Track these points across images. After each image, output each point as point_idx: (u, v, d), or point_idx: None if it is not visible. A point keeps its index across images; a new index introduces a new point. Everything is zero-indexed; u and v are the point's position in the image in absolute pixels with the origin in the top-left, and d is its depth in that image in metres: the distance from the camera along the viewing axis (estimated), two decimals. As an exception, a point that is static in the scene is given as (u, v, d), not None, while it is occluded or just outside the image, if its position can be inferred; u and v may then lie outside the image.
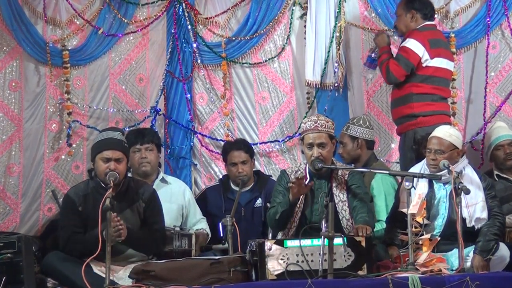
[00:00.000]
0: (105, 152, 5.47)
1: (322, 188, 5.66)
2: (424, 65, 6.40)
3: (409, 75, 6.40)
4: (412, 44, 6.40)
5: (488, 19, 7.01)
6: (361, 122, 6.48)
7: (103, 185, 5.45)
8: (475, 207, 5.40)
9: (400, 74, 6.40)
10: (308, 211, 5.64)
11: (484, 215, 5.47)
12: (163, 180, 6.50)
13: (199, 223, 6.45)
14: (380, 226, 5.96)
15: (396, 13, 6.70)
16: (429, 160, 5.57)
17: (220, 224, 6.12)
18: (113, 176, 5.30)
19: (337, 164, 5.77)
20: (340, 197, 5.62)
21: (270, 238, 5.76)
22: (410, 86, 6.40)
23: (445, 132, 5.62)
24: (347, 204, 5.61)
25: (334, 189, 5.64)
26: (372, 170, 6.00)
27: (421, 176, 5.43)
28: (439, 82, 6.47)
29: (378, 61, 6.62)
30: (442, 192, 5.59)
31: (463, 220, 5.43)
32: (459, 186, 5.10)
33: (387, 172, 5.89)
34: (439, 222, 5.55)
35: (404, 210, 5.50)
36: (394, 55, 6.53)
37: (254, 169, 6.71)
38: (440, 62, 6.47)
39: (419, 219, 5.13)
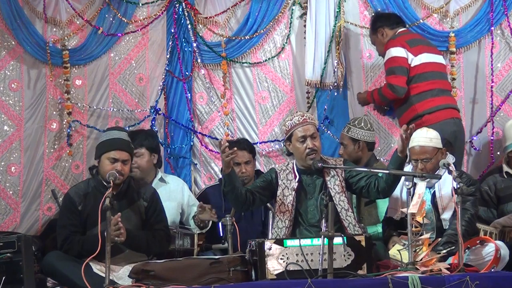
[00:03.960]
0: (113, 152, 5.49)
1: (314, 183, 5.64)
2: (412, 65, 6.44)
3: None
4: (394, 51, 6.46)
5: (491, 15, 6.98)
6: (362, 124, 6.47)
7: (105, 184, 5.46)
8: (444, 200, 5.44)
9: (402, 81, 6.41)
10: (303, 208, 5.62)
11: (447, 216, 5.51)
12: (161, 180, 6.51)
13: None
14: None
15: (371, 41, 6.85)
16: (418, 171, 5.54)
17: (220, 223, 6.13)
18: (112, 175, 5.30)
19: (328, 160, 5.73)
20: (336, 189, 5.59)
21: (269, 237, 5.76)
22: (407, 90, 6.42)
23: (425, 139, 5.60)
24: (344, 195, 5.59)
25: (329, 182, 5.61)
26: (372, 170, 5.99)
27: (421, 176, 5.43)
28: (433, 76, 6.49)
29: (374, 98, 6.65)
30: (427, 195, 5.59)
31: (444, 221, 5.48)
32: (459, 185, 5.10)
33: (387, 172, 5.88)
34: (429, 226, 5.54)
35: (394, 216, 5.56)
36: (386, 73, 6.55)
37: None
38: (426, 57, 6.50)
39: (419, 218, 5.13)
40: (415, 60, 6.46)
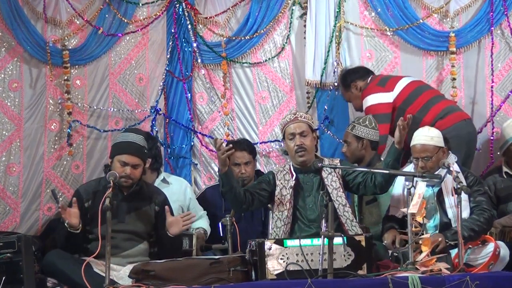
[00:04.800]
0: (124, 156, 5.51)
1: (312, 181, 5.66)
2: (396, 95, 6.52)
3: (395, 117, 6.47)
4: (369, 100, 6.58)
5: (491, 15, 6.98)
6: (366, 122, 6.45)
7: (115, 183, 5.47)
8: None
9: (382, 129, 6.45)
10: (301, 205, 5.65)
11: (465, 214, 5.43)
12: (164, 181, 6.49)
13: (200, 220, 6.45)
14: None
15: (346, 99, 6.93)
16: (419, 169, 5.54)
17: (220, 224, 6.13)
18: (112, 175, 5.29)
19: (325, 159, 5.75)
20: (334, 185, 5.60)
21: (269, 237, 5.76)
22: (410, 113, 6.45)
23: (426, 137, 5.59)
24: (342, 191, 5.60)
25: (326, 179, 5.62)
26: (372, 170, 5.98)
27: (421, 176, 5.43)
28: (421, 89, 6.58)
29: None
30: (429, 193, 5.58)
31: (449, 220, 5.45)
32: (459, 186, 5.09)
33: (387, 172, 5.87)
34: (431, 224, 5.55)
35: (396, 214, 5.55)
36: None
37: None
38: (403, 82, 6.60)
39: (419, 218, 5.13)
40: (396, 90, 6.56)
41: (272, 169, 7.07)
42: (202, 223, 6.45)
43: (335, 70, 7.05)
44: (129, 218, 5.50)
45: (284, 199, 5.63)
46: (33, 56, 6.90)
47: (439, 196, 5.59)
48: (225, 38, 7.19)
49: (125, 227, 5.49)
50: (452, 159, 5.64)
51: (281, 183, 5.68)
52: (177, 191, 6.50)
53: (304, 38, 7.11)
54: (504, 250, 5.42)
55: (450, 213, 5.50)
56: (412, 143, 5.63)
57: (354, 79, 6.79)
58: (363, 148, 6.42)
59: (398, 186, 5.65)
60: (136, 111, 7.13)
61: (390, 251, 5.48)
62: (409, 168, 5.77)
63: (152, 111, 7.12)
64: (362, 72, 6.84)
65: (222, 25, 7.23)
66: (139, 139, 5.61)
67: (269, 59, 7.21)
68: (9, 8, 6.77)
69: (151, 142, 6.44)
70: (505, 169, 6.47)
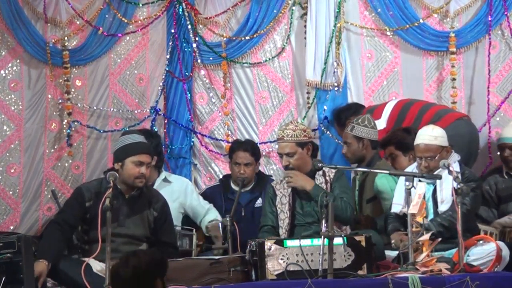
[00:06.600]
0: (140, 155, 5.49)
1: None
2: (386, 122, 6.57)
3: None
4: None
5: (489, 17, 6.98)
6: (366, 122, 6.43)
7: (124, 187, 5.49)
8: (444, 193, 5.43)
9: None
10: (299, 211, 5.73)
11: (445, 207, 5.45)
12: (165, 180, 6.49)
13: (209, 212, 6.45)
14: None
15: (343, 138, 6.73)
16: (422, 168, 5.54)
17: (220, 224, 6.14)
18: (113, 176, 5.28)
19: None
20: None
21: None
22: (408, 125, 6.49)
23: (429, 137, 5.59)
24: None
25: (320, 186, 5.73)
26: (372, 170, 5.99)
27: (421, 176, 5.43)
28: (409, 105, 6.62)
29: None
30: (429, 191, 5.58)
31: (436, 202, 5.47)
32: (459, 186, 5.09)
33: (387, 172, 5.88)
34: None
35: (398, 211, 5.56)
36: None
37: (254, 170, 6.71)
38: (388, 107, 6.65)
39: (419, 219, 5.13)
40: (384, 116, 6.61)
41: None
42: (213, 214, 6.44)
43: (335, 70, 7.05)
44: (129, 222, 5.49)
45: (285, 207, 5.74)
46: (33, 56, 6.89)
47: (434, 193, 5.59)
48: (225, 38, 7.19)
49: (124, 231, 5.47)
50: (455, 158, 5.63)
51: (281, 192, 5.82)
52: (178, 189, 6.49)
53: (304, 38, 7.11)
54: (504, 250, 5.42)
55: (441, 207, 5.50)
56: (416, 142, 5.63)
57: (348, 116, 6.79)
58: (363, 148, 6.40)
59: (402, 183, 5.64)
60: (136, 111, 7.13)
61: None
62: (412, 168, 5.77)
63: (152, 111, 7.12)
64: (355, 108, 6.86)
65: (222, 25, 7.23)
66: (143, 138, 5.65)
67: (269, 59, 7.21)
68: (9, 9, 6.77)
69: (156, 139, 6.47)
70: (506, 169, 6.47)
